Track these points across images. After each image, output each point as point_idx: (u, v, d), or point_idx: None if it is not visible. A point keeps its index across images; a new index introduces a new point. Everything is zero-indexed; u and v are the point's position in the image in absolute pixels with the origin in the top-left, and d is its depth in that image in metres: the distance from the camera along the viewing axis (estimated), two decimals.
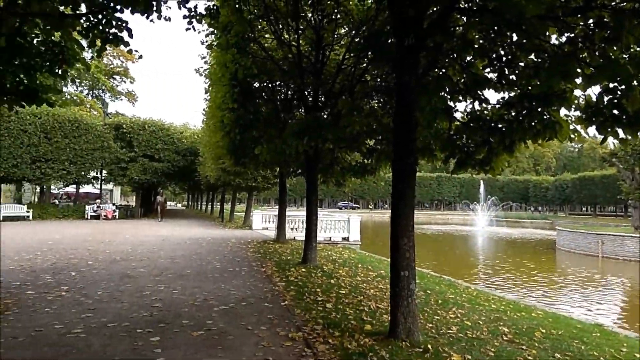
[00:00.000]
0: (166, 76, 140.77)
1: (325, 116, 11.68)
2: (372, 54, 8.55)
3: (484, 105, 6.08)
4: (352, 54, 10.64)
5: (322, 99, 11.78)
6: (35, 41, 8.50)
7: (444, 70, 6.14)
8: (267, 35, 12.28)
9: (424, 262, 18.97)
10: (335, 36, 11.60)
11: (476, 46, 5.55)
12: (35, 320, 6.34)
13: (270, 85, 12.58)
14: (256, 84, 12.02)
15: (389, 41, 6.97)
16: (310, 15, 11.26)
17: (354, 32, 10.80)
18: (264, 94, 12.49)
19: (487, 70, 5.83)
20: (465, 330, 6.40)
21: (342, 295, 8.24)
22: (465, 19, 5.62)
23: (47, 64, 8.52)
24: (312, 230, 11.93)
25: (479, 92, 5.95)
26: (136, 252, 14.10)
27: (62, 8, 7.99)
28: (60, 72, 8.72)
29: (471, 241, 37.68)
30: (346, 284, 9.54)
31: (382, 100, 10.21)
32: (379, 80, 10.11)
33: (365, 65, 10.22)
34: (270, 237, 19.94)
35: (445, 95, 6.23)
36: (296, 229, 21.88)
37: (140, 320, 6.40)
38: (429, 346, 5.29)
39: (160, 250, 14.77)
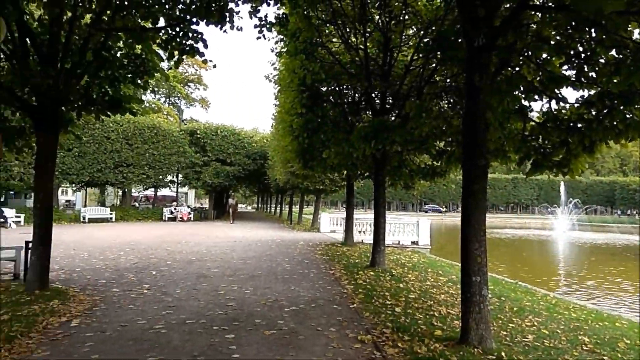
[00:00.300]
0: (236, 82, 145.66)
1: (392, 118, 11.67)
2: (441, 55, 8.44)
3: (561, 104, 5.85)
4: (420, 55, 10.54)
5: (390, 101, 11.78)
6: (118, 54, 9.21)
7: (517, 69, 5.97)
8: (334, 40, 12.46)
9: (498, 268, 18.32)
10: (403, 37, 11.57)
11: (552, 43, 5.36)
12: (121, 316, 6.85)
13: (337, 89, 12.75)
14: (324, 88, 12.23)
15: (459, 41, 6.87)
16: (377, 17, 11.31)
17: (422, 32, 10.72)
18: (331, 97, 12.67)
19: (565, 67, 5.61)
20: (542, 339, 6.17)
21: (411, 300, 8.20)
22: (539, 15, 5.44)
23: (130, 75, 9.20)
24: (380, 234, 11.92)
25: (555, 90, 5.74)
26: (210, 253, 14.75)
27: (142, 22, 8.62)
28: (141, 82, 9.38)
29: (551, 246, 35.82)
30: (415, 288, 9.47)
31: (451, 101, 10.05)
32: (448, 80, 9.96)
33: (434, 65, 10.11)
34: (338, 240, 20.10)
35: (519, 94, 6.06)
36: (364, 232, 21.90)
37: (215, 318, 6.74)
38: (503, 354, 5.17)
39: (232, 251, 15.35)
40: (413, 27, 11.38)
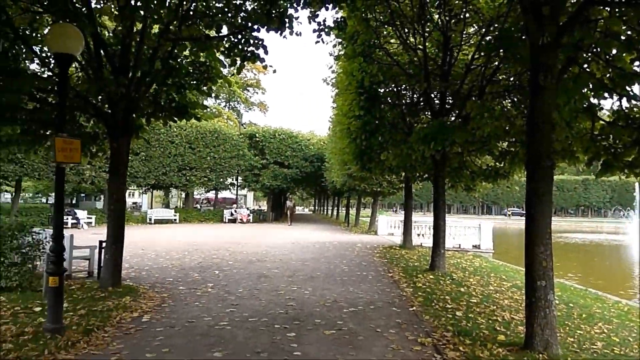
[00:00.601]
0: (294, 86, 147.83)
1: (452, 119, 11.53)
2: (503, 53, 8.29)
3: (633, 102, 5.62)
4: (481, 54, 10.38)
5: (450, 101, 11.65)
6: (184, 62, 9.70)
7: (585, 67, 5.79)
8: (392, 41, 12.47)
9: (566, 274, 17.56)
10: (464, 36, 11.41)
11: (622, 38, 5.17)
12: (188, 312, 7.23)
13: (395, 90, 12.75)
14: (382, 90, 12.27)
15: (522, 38, 6.73)
16: (437, 16, 11.22)
17: (483, 30, 10.54)
18: (389, 99, 12.68)
19: (636, 64, 5.39)
20: (611, 346, 5.93)
21: (473, 304, 8.09)
22: (608, 10, 5.26)
23: (195, 82, 9.67)
24: (440, 236, 11.79)
25: (627, 88, 5.52)
26: (270, 254, 15.13)
27: (207, 31, 9.04)
28: (206, 89, 9.83)
29: (624, 252, 33.81)
30: (477, 292, 9.31)
31: (515, 100, 9.82)
32: (512, 79, 9.74)
33: (496, 64, 9.91)
34: (396, 243, 20.00)
35: (588, 92, 5.88)
36: (423, 235, 21.65)
37: (277, 317, 6.97)
38: None
39: (291, 252, 15.66)
40: (474, 25, 11.21)
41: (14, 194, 30.45)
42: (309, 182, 41.71)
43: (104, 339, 5.73)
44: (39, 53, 9.24)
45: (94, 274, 9.97)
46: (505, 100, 10.31)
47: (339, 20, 8.71)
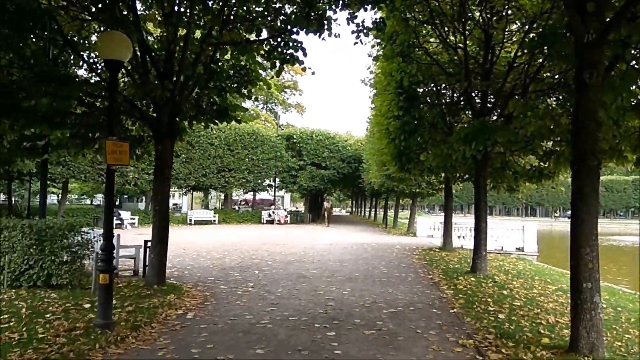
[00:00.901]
0: (330, 87, 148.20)
1: (494, 118, 11.40)
2: (547, 50, 8.15)
3: None
4: (525, 51, 10.22)
5: (491, 100, 11.51)
6: (225, 66, 9.99)
7: (633, 63, 5.66)
8: (431, 40, 12.43)
9: (615, 278, 17.00)
10: (506, 33, 11.25)
11: None
12: (230, 310, 7.45)
13: (435, 89, 12.69)
14: (421, 90, 12.24)
15: (567, 35, 6.64)
16: (478, 14, 11.13)
17: (527, 27, 10.38)
18: (428, 99, 12.64)
19: None
20: None
21: (516, 307, 7.99)
22: None
23: (235, 85, 9.94)
24: (481, 238, 11.66)
25: None
26: (308, 255, 15.31)
27: (247, 35, 9.29)
28: (246, 91, 10.10)
29: None
30: (521, 295, 9.18)
31: (560, 98, 9.63)
32: (557, 77, 9.56)
33: (540, 62, 9.75)
34: (435, 245, 19.82)
35: (637, 90, 5.75)
36: (463, 237, 21.38)
37: (316, 316, 7.10)
38: None
39: (329, 254, 15.79)
40: (516, 22, 11.05)
41: (60, 195, 31.82)
42: (346, 183, 41.78)
43: (151, 335, 6.00)
44: (86, 59, 9.72)
45: (139, 272, 10.37)
46: (549, 98, 10.12)
47: (377, 20, 8.78)
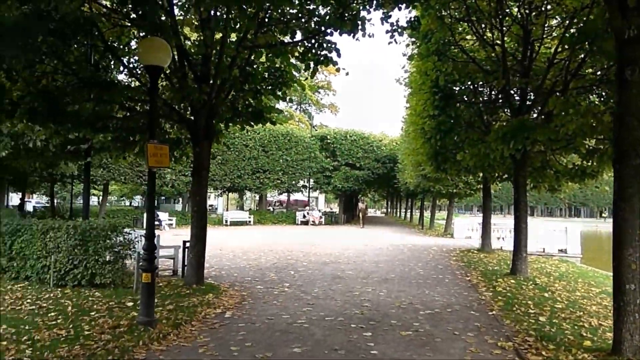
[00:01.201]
0: (364, 86, 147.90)
1: (534, 116, 11.22)
2: (589, 46, 8.01)
3: None
4: (565, 47, 10.03)
5: (531, 97, 11.34)
6: (260, 68, 10.21)
7: None
8: (467, 37, 12.33)
9: None
10: (545, 29, 11.07)
11: None
12: (267, 310, 7.64)
13: (472, 88, 12.58)
14: (457, 88, 12.17)
15: (608, 30, 6.52)
16: (516, 10, 10.99)
17: (567, 22, 10.18)
18: (465, 97, 12.54)
19: None
20: None
21: (557, 310, 7.87)
22: None
23: (270, 87, 10.14)
24: (522, 240, 11.48)
25: None
26: (343, 255, 15.41)
27: (281, 37, 9.47)
28: (280, 93, 10.29)
29: None
30: (562, 298, 9.02)
31: (602, 95, 9.42)
32: (598, 73, 9.36)
33: (581, 58, 9.55)
34: (473, 246, 19.59)
35: None
36: (502, 238, 21.01)
37: (352, 317, 7.20)
38: None
39: (364, 254, 15.85)
40: (556, 17, 10.85)
41: (101, 197, 32.97)
42: (380, 183, 41.65)
43: (191, 333, 6.23)
44: (127, 64, 10.11)
45: (179, 272, 10.71)
46: (591, 95, 9.90)
47: (412, 19, 8.81)
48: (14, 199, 38.29)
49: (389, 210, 71.79)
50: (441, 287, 9.95)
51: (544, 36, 11.19)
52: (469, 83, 12.26)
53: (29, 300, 7.69)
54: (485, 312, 7.75)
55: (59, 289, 8.54)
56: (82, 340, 5.65)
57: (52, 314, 6.84)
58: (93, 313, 6.93)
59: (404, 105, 22.48)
